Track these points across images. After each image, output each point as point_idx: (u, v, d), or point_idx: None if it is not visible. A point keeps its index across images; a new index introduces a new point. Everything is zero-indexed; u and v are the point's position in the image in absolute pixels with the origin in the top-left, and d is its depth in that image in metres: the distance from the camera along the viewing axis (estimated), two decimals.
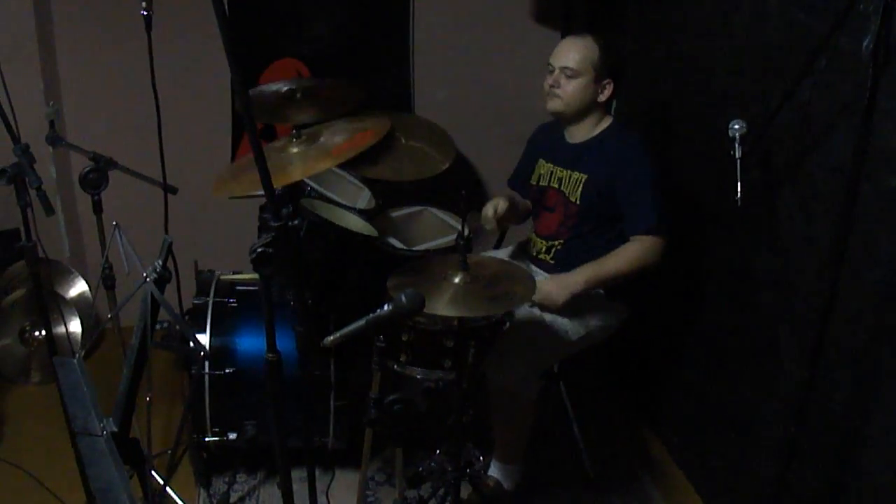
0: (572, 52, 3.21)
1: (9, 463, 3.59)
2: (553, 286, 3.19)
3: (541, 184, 3.45)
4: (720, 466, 3.40)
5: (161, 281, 2.38)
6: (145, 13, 3.11)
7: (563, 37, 3.61)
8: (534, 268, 3.44)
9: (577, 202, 3.27)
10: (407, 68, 4.53)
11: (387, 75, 4.56)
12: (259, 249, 1.93)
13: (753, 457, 3.13)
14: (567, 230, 3.34)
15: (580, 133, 3.34)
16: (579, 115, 3.29)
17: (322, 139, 2.88)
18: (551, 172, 3.41)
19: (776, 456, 2.85)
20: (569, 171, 3.33)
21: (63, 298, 4.33)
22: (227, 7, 4.12)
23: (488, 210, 3.39)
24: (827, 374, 2.59)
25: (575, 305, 3.21)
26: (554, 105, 3.28)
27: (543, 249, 3.42)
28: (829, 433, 2.68)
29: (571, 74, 3.20)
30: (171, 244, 2.49)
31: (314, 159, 2.77)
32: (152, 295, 2.32)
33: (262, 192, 1.91)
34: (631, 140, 3.27)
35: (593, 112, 3.30)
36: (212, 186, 2.84)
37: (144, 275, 2.35)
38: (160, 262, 2.39)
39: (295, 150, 2.78)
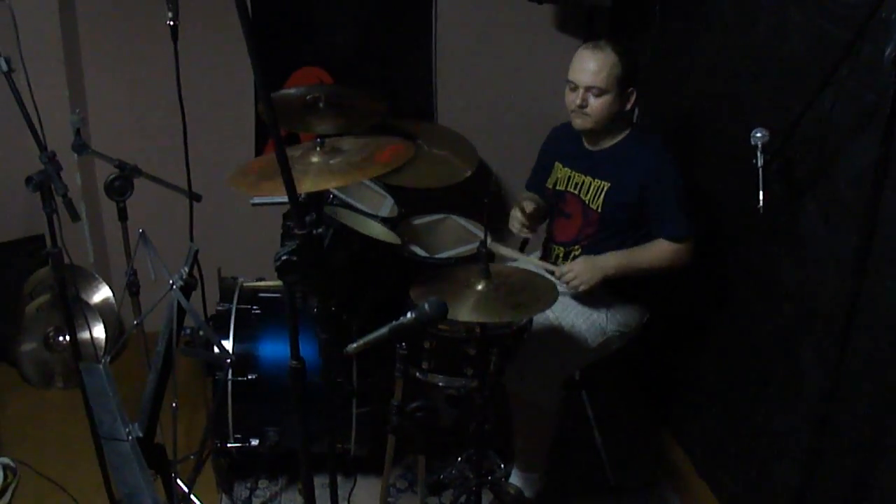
0: (596, 69, 3.12)
1: (31, 468, 3.62)
2: (585, 266, 3.18)
3: (557, 188, 3.43)
4: (742, 475, 3.39)
5: (187, 288, 2.40)
6: (172, 23, 3.13)
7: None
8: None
9: (599, 210, 3.26)
10: (429, 77, 4.54)
11: (409, 84, 4.58)
12: (284, 257, 1.95)
13: (775, 466, 3.12)
14: (586, 237, 3.33)
15: (602, 140, 3.31)
16: (608, 127, 3.26)
17: (345, 151, 2.78)
18: (569, 177, 3.39)
19: (798, 465, 2.84)
20: (589, 178, 3.30)
21: (87, 304, 4.37)
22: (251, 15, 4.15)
23: (516, 212, 3.41)
24: (849, 383, 2.59)
25: (595, 303, 3.21)
26: (583, 123, 3.22)
27: (562, 256, 3.41)
28: (851, 443, 2.67)
29: (598, 93, 3.14)
30: (196, 252, 2.51)
31: (334, 173, 2.68)
32: (178, 302, 2.34)
33: (285, 200, 1.93)
34: (656, 147, 3.25)
35: (620, 120, 3.27)
36: (232, 179, 2.75)
37: (171, 282, 2.37)
38: (186, 270, 2.41)
39: (315, 159, 2.71)
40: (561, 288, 3.04)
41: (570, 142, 3.43)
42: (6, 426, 3.97)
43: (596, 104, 3.16)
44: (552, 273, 3.21)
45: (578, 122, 3.24)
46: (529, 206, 3.42)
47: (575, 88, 3.19)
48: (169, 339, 2.25)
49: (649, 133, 3.33)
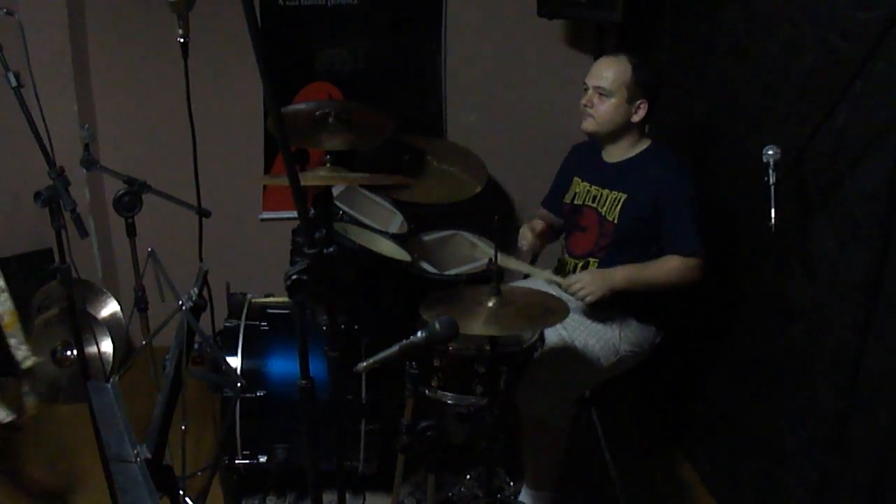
0: (606, 72, 3.21)
1: (38, 485, 3.60)
2: (593, 277, 3.16)
3: (575, 202, 3.43)
4: (753, 495, 3.37)
5: (197, 309, 2.38)
6: (182, 40, 3.13)
7: (594, 61, 3.60)
8: (565, 297, 3.39)
9: (615, 221, 3.25)
10: (439, 93, 4.55)
11: (419, 100, 4.59)
12: (294, 277, 1.94)
13: (787, 486, 3.09)
14: (601, 249, 3.31)
15: (618, 152, 3.33)
16: (613, 135, 3.29)
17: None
18: (587, 191, 3.39)
19: (810, 486, 2.82)
20: (606, 190, 3.31)
21: (95, 318, 4.35)
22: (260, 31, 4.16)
23: (525, 230, 3.45)
24: (863, 403, 2.56)
25: (608, 323, 3.20)
26: (587, 125, 3.28)
27: (578, 269, 3.39)
28: (864, 464, 2.64)
29: (604, 94, 3.20)
30: (206, 272, 2.49)
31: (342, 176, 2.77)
32: (188, 323, 2.32)
33: (293, 215, 1.92)
34: (674, 162, 3.25)
35: (629, 132, 3.28)
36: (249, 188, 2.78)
37: (181, 303, 2.35)
38: (196, 291, 2.39)
39: (322, 173, 2.78)
40: (571, 304, 3.03)
41: (590, 157, 3.46)
42: (12, 440, 3.97)
43: (600, 106, 3.22)
44: (559, 284, 3.21)
45: (585, 124, 3.30)
46: (538, 225, 3.47)
47: (586, 90, 3.26)
48: (178, 362, 2.23)
49: (668, 148, 3.32)
